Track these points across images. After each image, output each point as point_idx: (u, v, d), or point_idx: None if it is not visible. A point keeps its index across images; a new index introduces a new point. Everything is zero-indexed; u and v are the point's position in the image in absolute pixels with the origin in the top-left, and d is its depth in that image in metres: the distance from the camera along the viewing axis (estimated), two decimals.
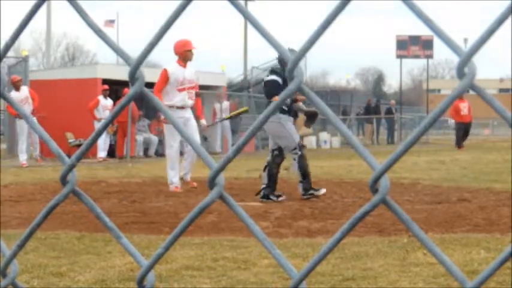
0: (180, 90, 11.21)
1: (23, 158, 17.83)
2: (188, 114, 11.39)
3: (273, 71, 10.28)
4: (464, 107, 27.05)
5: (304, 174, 10.09)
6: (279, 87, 9.89)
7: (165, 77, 11.13)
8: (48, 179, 13.19)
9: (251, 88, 31.59)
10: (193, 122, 11.43)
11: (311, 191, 10.14)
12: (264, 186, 10.12)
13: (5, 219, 7.90)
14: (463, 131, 27.53)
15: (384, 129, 39.28)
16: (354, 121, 37.95)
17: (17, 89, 17.94)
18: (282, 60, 10.32)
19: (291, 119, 10.35)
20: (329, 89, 40.69)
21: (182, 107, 11.26)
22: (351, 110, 38.26)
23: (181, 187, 11.29)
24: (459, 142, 27.60)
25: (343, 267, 5.52)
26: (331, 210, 9.03)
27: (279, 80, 10.05)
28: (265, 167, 10.20)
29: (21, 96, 17.80)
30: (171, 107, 11.20)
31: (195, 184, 11.50)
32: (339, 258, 5.78)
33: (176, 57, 11.29)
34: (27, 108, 17.33)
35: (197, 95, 11.66)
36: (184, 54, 11.20)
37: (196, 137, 11.38)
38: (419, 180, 12.99)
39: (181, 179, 11.58)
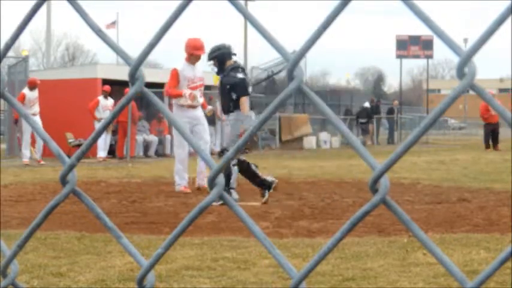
0: (191, 89, 11.12)
1: (26, 156, 18.15)
2: (199, 112, 11.32)
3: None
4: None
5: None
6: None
7: (176, 76, 11.10)
8: (48, 179, 13.19)
9: (251, 88, 31.54)
10: (204, 121, 11.36)
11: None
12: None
13: (5, 219, 7.90)
14: (491, 131, 27.31)
15: (384, 129, 39.24)
16: (354, 121, 37.95)
17: (33, 89, 18.54)
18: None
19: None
20: (329, 89, 40.67)
21: (193, 106, 11.19)
22: (352, 110, 38.24)
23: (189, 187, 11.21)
24: (487, 143, 27.41)
25: (343, 267, 5.52)
26: (331, 210, 9.03)
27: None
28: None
29: (34, 95, 18.43)
30: (181, 106, 11.17)
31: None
32: (339, 258, 5.78)
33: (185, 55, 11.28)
34: (36, 108, 18.26)
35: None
36: (189, 55, 11.20)
37: (207, 137, 11.37)
38: (419, 180, 12.99)
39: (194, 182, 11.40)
